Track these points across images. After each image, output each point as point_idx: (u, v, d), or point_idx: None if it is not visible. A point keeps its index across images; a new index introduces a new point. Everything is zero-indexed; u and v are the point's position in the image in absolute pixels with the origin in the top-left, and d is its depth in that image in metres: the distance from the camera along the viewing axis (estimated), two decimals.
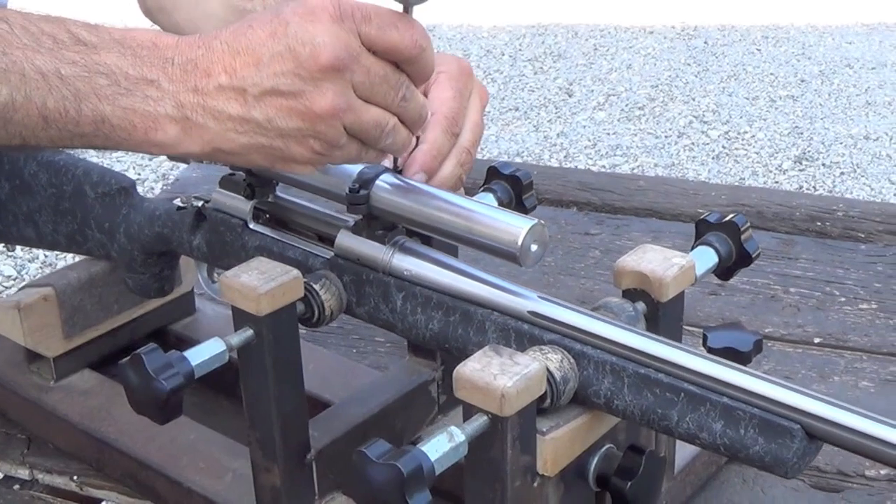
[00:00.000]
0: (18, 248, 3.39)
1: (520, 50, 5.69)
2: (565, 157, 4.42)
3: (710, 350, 0.83)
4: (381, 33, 0.77)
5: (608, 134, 4.64)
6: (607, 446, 0.81)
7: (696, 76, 5.31)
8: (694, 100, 5.00)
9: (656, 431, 0.76)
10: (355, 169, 0.86)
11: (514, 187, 0.97)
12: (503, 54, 5.61)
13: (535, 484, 0.76)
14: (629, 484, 0.79)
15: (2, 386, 1.12)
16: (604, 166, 4.28)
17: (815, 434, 0.69)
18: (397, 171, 0.87)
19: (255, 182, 0.95)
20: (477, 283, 0.82)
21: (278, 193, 0.96)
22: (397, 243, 0.86)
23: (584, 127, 4.72)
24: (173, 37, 0.79)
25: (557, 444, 0.75)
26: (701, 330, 0.87)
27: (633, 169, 4.27)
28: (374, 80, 0.77)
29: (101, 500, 1.08)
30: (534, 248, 0.78)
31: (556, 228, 1.45)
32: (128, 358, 0.79)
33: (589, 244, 1.42)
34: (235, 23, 0.79)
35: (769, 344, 1.20)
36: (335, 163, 0.81)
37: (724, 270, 0.91)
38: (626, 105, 4.96)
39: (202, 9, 1.03)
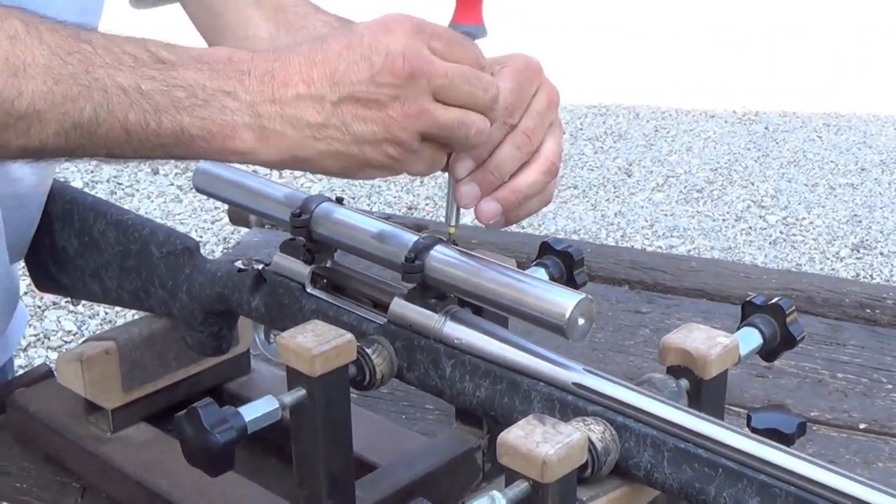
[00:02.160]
0: (81, 304, 3.47)
1: (581, 129, 5.75)
2: (622, 236, 4.44)
3: (754, 431, 0.84)
4: (449, 49, 0.81)
5: (666, 215, 4.66)
6: None
7: (755, 161, 5.33)
8: (753, 184, 5.02)
9: None
10: (411, 239, 0.89)
11: (566, 263, 0.99)
12: (564, 132, 5.65)
13: None
14: None
15: (60, 435, 1.15)
16: (660, 247, 4.30)
17: None
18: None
19: (314, 248, 0.98)
20: (524, 354, 0.85)
21: (336, 260, 1.00)
22: (449, 312, 0.89)
23: (642, 207, 4.74)
24: (248, 52, 0.83)
25: None
26: (746, 411, 0.88)
27: (690, 251, 4.28)
28: (455, 80, 0.80)
29: None
30: (581, 322, 0.81)
31: (607, 305, 1.47)
32: (184, 411, 0.82)
33: (639, 322, 1.44)
34: (308, 40, 0.83)
35: (814, 428, 1.21)
36: (411, 171, 0.83)
37: (769, 352, 0.93)
38: (685, 187, 4.98)
39: (250, 32, 1.08)
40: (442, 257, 0.87)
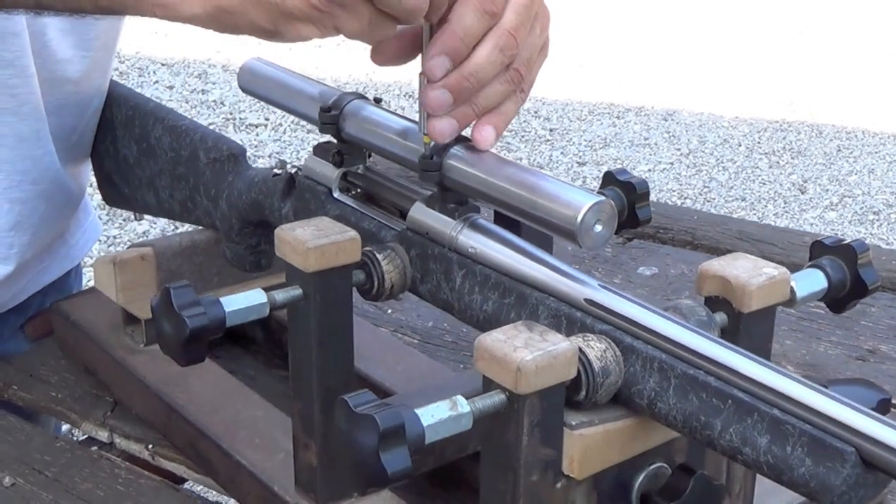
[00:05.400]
0: None
1: (758, 143, 5.53)
2: None
3: None
4: None
5: (835, 234, 4.42)
6: (659, 464, 0.72)
7: None
8: None
9: (699, 442, 0.66)
10: None
11: (628, 195, 0.89)
12: (740, 145, 5.46)
13: (559, 485, 0.68)
14: None
15: (95, 344, 1.10)
16: None
17: (874, 462, 0.58)
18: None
19: (345, 149, 0.90)
20: (538, 266, 0.75)
21: (369, 165, 0.92)
22: (468, 219, 0.80)
23: (812, 225, 4.52)
24: None
25: (588, 443, 0.67)
26: None
27: None
28: None
29: (171, 472, 1.04)
30: (598, 228, 0.71)
31: None
32: (159, 293, 0.75)
33: None
34: None
35: None
36: (344, 29, 0.74)
37: (836, 301, 0.81)
38: (861, 208, 4.73)
39: None
40: (461, 155, 0.79)
